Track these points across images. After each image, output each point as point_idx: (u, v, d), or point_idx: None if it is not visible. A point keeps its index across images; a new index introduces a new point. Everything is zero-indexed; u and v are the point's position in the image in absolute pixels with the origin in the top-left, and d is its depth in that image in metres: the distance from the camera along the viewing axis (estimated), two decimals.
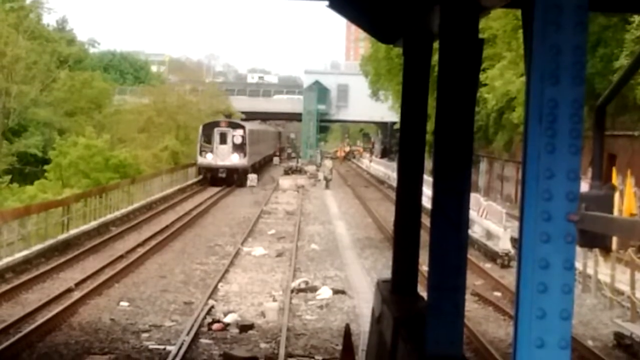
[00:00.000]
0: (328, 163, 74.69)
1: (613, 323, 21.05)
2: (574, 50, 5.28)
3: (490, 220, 33.19)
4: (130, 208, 43.73)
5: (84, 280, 25.32)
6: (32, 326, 19.16)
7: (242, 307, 22.78)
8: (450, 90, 8.70)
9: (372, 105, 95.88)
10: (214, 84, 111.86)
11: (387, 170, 74.10)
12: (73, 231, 33.87)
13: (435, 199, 8.91)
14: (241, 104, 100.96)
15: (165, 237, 34.74)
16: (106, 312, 21.76)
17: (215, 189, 59.35)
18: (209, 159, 65.10)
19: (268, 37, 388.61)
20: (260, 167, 75.69)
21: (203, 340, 19.21)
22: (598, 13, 25.56)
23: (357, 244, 35.15)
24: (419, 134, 11.81)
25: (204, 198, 53.22)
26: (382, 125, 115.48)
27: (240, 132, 66.25)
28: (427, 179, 18.95)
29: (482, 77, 39.81)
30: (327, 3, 11.73)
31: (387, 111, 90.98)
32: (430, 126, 11.00)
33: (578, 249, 5.92)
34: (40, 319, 19.90)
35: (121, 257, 29.71)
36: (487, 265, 29.73)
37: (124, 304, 22.79)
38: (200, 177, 65.13)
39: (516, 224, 18.34)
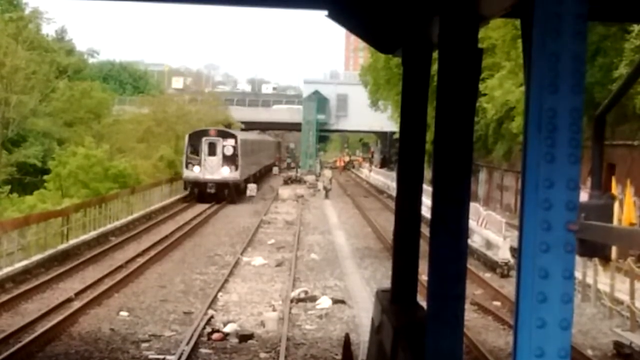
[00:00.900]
0: (327, 173, 74.70)
1: (612, 332, 21.04)
2: (573, 59, 5.29)
3: (490, 230, 33.19)
4: (129, 218, 43.75)
5: (83, 290, 25.31)
6: (32, 336, 19.16)
7: (241, 316, 22.77)
8: (449, 100, 8.70)
9: (372, 115, 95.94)
10: (213, 94, 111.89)
11: (386, 180, 74.10)
12: (73, 241, 33.86)
13: (434, 209, 8.90)
14: (240, 114, 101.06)
15: (164, 247, 34.74)
16: (106, 322, 21.75)
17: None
18: (195, 172, 58.32)
19: (267, 47, 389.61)
20: (255, 180, 70.67)
21: (203, 350, 19.21)
22: (597, 22, 25.60)
23: (357, 254, 35.14)
24: (418, 143, 11.82)
25: (203, 208, 53.19)
26: (382, 135, 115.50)
27: (231, 142, 59.72)
28: (427, 188, 18.97)
29: (481, 86, 39.85)
30: (326, 13, 11.75)
31: (386, 121, 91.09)
32: (429, 136, 11.02)
33: (578, 259, 5.92)
34: (40, 329, 19.89)
35: (121, 267, 29.71)
36: (487, 275, 29.72)
37: (123, 313, 22.79)
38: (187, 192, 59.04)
39: (516, 233, 18.34)
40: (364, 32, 12.88)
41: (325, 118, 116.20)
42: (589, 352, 19.46)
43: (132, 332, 20.78)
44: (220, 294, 25.73)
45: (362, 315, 22.55)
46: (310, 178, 79.84)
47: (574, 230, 5.29)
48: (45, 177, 57.69)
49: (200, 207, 53.92)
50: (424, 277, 14.02)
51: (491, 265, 31.11)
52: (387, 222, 40.78)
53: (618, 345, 19.88)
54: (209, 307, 23.53)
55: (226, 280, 27.85)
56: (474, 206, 33.03)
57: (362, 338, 18.79)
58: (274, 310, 23.25)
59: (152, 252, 33.17)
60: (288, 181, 76.55)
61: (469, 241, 29.15)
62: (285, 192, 64.90)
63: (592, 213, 7.12)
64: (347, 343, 15.47)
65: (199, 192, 58.07)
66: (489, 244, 32.85)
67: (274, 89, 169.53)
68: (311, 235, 41.38)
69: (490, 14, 8.75)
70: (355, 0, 11.67)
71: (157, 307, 23.79)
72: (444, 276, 8.79)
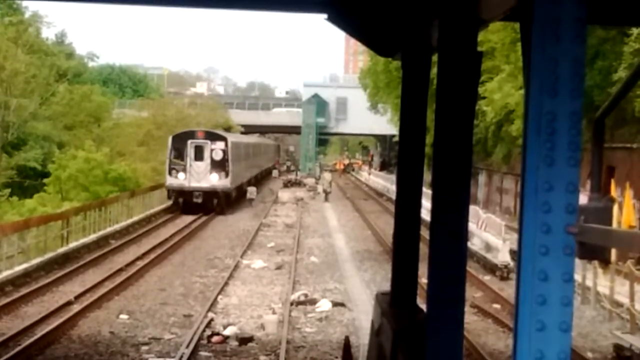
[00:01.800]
0: (327, 176, 74.68)
1: (612, 335, 21.05)
2: (572, 62, 5.30)
3: (490, 233, 33.21)
4: (129, 221, 43.75)
5: (83, 293, 25.32)
6: (32, 339, 19.16)
7: (241, 319, 22.78)
8: (449, 103, 8.71)
9: (371, 118, 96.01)
10: (212, 97, 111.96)
11: (386, 183, 74.08)
12: (73, 244, 33.88)
13: (434, 212, 8.90)
14: (240, 117, 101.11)
15: (164, 250, 34.74)
16: (106, 325, 21.76)
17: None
18: (180, 180, 51.35)
19: (267, 50, 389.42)
20: (254, 185, 66.19)
21: (202, 353, 19.21)
22: (597, 26, 25.62)
23: (356, 257, 35.14)
24: (418, 146, 11.82)
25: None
26: (381, 138, 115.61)
27: (220, 145, 52.77)
28: (426, 191, 18.98)
29: (480, 89, 39.86)
30: (325, 16, 11.75)
31: (385, 124, 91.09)
32: (429, 139, 11.02)
33: (577, 261, 5.95)
34: (40, 332, 19.89)
35: (121, 270, 29.72)
36: (487, 278, 29.73)
37: (123, 316, 22.79)
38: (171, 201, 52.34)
39: (515, 236, 18.36)
40: (363, 36, 12.88)
41: (324, 121, 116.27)
42: (589, 355, 19.46)
43: (132, 335, 20.78)
44: (220, 296, 25.73)
45: (361, 318, 22.55)
46: (310, 181, 79.81)
47: (574, 233, 5.30)
48: (45, 180, 57.80)
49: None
50: (423, 279, 14.03)
51: (491, 268, 31.12)
52: (386, 224, 40.79)
53: (618, 347, 19.87)
54: (209, 310, 23.53)
55: (226, 283, 27.85)
56: (473, 209, 33.05)
57: (362, 341, 18.79)
58: (274, 313, 23.25)
59: (152, 255, 33.19)
60: (288, 184, 76.47)
61: (469, 244, 29.20)
62: (285, 195, 64.86)
63: (591, 216, 7.14)
64: (347, 346, 15.48)
65: (184, 202, 51.57)
66: (488, 247, 32.87)
67: (287, 92, 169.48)
68: (311, 238, 41.38)
69: (490, 18, 8.76)
70: (355, 4, 11.67)
71: (157, 310, 23.79)
72: (444, 279, 8.79)
